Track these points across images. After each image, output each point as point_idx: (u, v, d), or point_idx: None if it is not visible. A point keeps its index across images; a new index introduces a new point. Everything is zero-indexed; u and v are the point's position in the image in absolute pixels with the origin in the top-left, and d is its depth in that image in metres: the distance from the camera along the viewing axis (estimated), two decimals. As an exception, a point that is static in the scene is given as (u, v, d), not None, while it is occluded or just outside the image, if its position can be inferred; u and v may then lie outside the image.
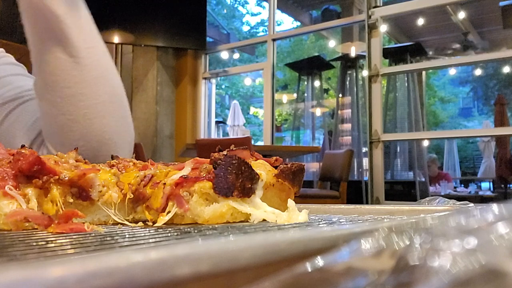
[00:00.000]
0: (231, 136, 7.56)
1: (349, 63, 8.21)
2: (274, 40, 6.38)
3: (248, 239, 0.25)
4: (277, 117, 11.77)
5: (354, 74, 8.13)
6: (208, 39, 6.83)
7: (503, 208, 0.20)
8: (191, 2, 6.38)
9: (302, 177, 0.57)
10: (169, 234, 0.40)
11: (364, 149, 7.34)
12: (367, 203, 5.19)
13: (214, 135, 7.53)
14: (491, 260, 0.16)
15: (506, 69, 11.95)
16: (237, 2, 16.05)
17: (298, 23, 10.64)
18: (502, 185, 8.68)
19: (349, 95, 8.18)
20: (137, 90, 6.68)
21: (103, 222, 0.53)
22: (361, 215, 0.61)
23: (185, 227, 0.47)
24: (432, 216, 0.22)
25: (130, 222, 0.52)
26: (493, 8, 7.59)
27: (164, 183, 0.52)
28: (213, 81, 7.16)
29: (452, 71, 14.40)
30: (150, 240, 0.36)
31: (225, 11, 15.11)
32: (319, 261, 0.18)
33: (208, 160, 0.53)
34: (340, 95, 8.38)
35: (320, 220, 0.54)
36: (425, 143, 8.55)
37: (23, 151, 0.47)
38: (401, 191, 7.49)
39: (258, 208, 0.51)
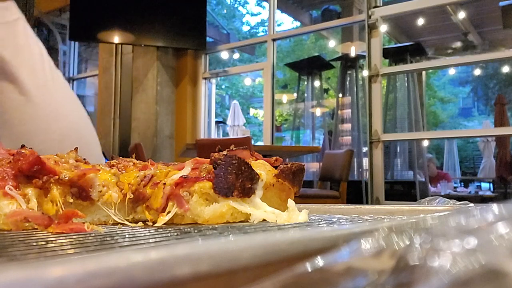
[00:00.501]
0: (231, 136, 7.56)
1: (349, 63, 8.21)
2: (274, 40, 6.38)
3: (248, 239, 0.25)
4: (277, 117, 11.77)
5: (354, 74, 8.13)
6: (208, 39, 6.83)
7: (503, 208, 0.20)
8: (191, 2, 6.37)
9: (302, 177, 0.57)
10: (169, 234, 0.40)
11: (364, 149, 7.34)
12: (367, 203, 5.19)
13: (214, 135, 7.53)
14: (491, 260, 0.16)
15: (506, 69, 11.95)
16: (237, 2, 16.05)
17: (298, 23, 10.64)
18: (502, 185, 8.68)
19: (349, 95, 8.18)
20: (137, 90, 6.67)
21: (103, 222, 0.53)
22: (361, 215, 0.61)
23: (185, 227, 0.47)
24: (432, 216, 0.22)
25: (130, 222, 0.52)
26: (493, 8, 7.59)
27: (164, 183, 0.52)
28: (213, 81, 7.16)
29: (452, 71, 14.40)
30: (150, 240, 0.36)
31: (225, 11, 15.10)
32: (319, 261, 0.18)
33: (208, 160, 0.53)
34: (340, 95, 8.37)
35: (320, 220, 0.54)
36: (425, 143, 8.55)
37: (23, 151, 0.47)
38: (401, 191, 7.49)
39: (258, 208, 0.51)
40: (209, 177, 0.50)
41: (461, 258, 0.16)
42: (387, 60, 7.74)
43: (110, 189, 0.52)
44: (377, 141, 4.78)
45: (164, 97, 6.62)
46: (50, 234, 0.41)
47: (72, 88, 8.49)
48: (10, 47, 0.87)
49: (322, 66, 9.31)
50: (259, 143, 9.61)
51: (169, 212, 0.50)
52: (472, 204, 0.61)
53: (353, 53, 8.05)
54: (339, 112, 8.22)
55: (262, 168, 0.54)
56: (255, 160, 0.56)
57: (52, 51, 9.73)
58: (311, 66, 8.94)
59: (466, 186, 10.39)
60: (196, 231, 0.42)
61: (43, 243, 0.35)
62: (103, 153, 1.06)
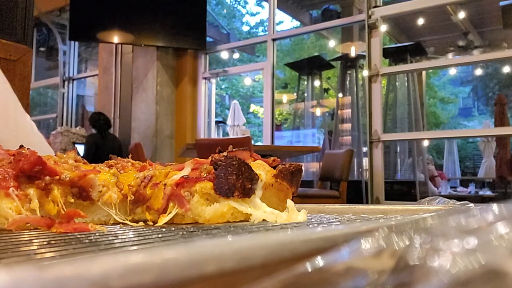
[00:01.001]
0: (231, 136, 7.56)
1: (349, 63, 8.21)
2: (274, 40, 6.38)
3: (248, 239, 0.25)
4: (277, 115, 11.77)
5: (354, 74, 8.13)
6: (208, 39, 6.83)
7: (503, 208, 0.20)
8: (191, 2, 6.38)
9: (300, 177, 0.57)
10: (174, 234, 0.40)
11: (364, 149, 7.34)
12: (367, 203, 5.19)
13: (214, 135, 7.53)
14: (491, 260, 0.16)
15: (506, 69, 11.94)
16: (237, 2, 16.05)
17: (298, 23, 10.64)
18: (502, 185, 8.68)
19: (349, 95, 8.18)
20: (137, 90, 6.67)
21: (103, 221, 0.53)
22: (356, 214, 0.61)
23: (187, 226, 0.47)
24: (432, 216, 0.22)
25: (130, 222, 0.52)
26: (493, 8, 7.59)
27: (165, 184, 0.52)
28: (213, 81, 7.16)
29: (452, 71, 14.40)
30: (156, 239, 0.36)
31: (225, 11, 15.11)
32: (319, 261, 0.18)
33: (208, 160, 0.53)
34: (340, 95, 8.38)
35: (319, 220, 0.54)
36: (425, 143, 8.55)
37: (23, 151, 0.47)
38: (401, 191, 7.49)
39: (258, 208, 0.51)
40: (210, 177, 0.51)
41: (461, 258, 0.16)
42: (387, 60, 7.74)
43: (109, 189, 0.52)
44: (377, 141, 4.78)
45: (164, 97, 6.62)
46: (55, 233, 0.42)
47: (72, 88, 8.49)
48: None
49: (322, 66, 9.31)
50: (259, 143, 9.62)
51: (170, 213, 0.50)
52: (472, 204, 0.61)
53: (353, 53, 8.05)
54: (339, 112, 8.22)
55: (261, 169, 0.54)
56: (254, 161, 0.57)
57: (52, 51, 9.74)
58: (311, 66, 8.94)
59: (466, 186, 10.39)
60: (200, 230, 0.42)
61: (53, 242, 0.36)
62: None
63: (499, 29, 8.15)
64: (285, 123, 13.41)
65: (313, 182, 7.57)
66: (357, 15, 6.43)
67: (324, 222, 0.51)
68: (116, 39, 6.25)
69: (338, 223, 0.50)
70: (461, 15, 8.17)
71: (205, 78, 6.90)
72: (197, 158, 0.56)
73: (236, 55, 10.13)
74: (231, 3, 15.84)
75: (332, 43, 10.27)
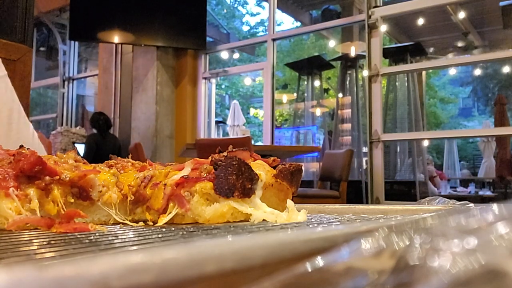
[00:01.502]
0: (231, 136, 7.56)
1: (349, 63, 8.21)
2: (274, 40, 6.38)
3: (248, 239, 0.25)
4: (277, 117, 11.77)
5: (354, 74, 8.12)
6: (208, 39, 6.83)
7: (503, 208, 0.20)
8: (191, 2, 6.38)
9: (300, 178, 0.57)
10: (174, 234, 0.40)
11: (364, 149, 7.34)
12: (367, 203, 5.19)
13: (214, 135, 7.53)
14: (491, 260, 0.16)
15: (506, 69, 11.95)
16: (237, 2, 16.04)
17: (298, 23, 10.64)
18: (502, 185, 8.68)
19: (349, 95, 8.18)
20: (137, 90, 6.68)
21: (103, 221, 0.53)
22: (356, 214, 0.61)
23: (187, 226, 0.47)
24: (432, 216, 0.22)
25: (130, 222, 0.52)
26: (493, 8, 7.59)
27: (165, 184, 0.52)
28: (213, 81, 7.16)
29: (452, 71, 14.40)
30: (156, 239, 0.36)
31: (225, 11, 15.11)
32: (319, 261, 0.18)
33: (208, 160, 0.53)
34: (340, 95, 8.37)
35: (319, 220, 0.54)
36: (425, 143, 8.55)
37: (23, 151, 0.47)
38: (401, 191, 7.49)
39: (258, 208, 0.51)
40: (210, 177, 0.51)
41: (461, 258, 0.16)
42: (387, 60, 7.74)
43: (109, 189, 0.52)
44: (377, 141, 4.78)
45: (164, 97, 6.62)
46: (55, 233, 0.42)
47: (72, 88, 8.49)
48: None
49: (322, 66, 9.31)
50: (259, 143, 9.61)
51: (170, 213, 0.50)
52: (472, 204, 0.61)
53: (353, 53, 8.05)
54: (339, 112, 8.22)
55: (261, 169, 0.54)
56: (254, 161, 0.57)
57: (52, 51, 9.74)
58: (311, 66, 8.94)
59: (466, 186, 10.39)
60: (200, 230, 0.42)
61: (53, 242, 0.36)
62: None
63: (499, 29, 8.15)
64: (285, 123, 13.41)
65: (313, 182, 7.57)
66: (357, 15, 6.43)
67: (324, 222, 0.51)
68: (116, 39, 6.25)
69: (338, 223, 0.50)
70: (461, 15, 8.17)
71: (205, 78, 6.90)
72: (197, 158, 0.56)
73: (236, 55, 10.13)
74: (231, 3, 15.84)
75: (332, 43, 10.27)
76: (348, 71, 8.21)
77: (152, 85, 6.56)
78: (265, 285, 0.17)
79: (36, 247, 0.34)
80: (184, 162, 0.57)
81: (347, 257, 0.18)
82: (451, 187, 10.24)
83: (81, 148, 6.00)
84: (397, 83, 8.08)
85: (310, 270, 0.17)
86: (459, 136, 10.05)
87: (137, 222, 0.52)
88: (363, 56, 6.46)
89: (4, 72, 1.15)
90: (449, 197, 1.00)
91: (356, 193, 6.77)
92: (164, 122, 6.60)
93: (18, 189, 0.46)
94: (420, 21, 8.07)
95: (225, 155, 0.52)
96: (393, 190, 7.39)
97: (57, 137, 6.61)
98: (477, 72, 14.55)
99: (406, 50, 7.74)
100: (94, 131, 5.88)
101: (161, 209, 0.51)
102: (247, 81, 14.15)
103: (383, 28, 5.16)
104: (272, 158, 0.58)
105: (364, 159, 7.49)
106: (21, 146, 0.50)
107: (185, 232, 0.41)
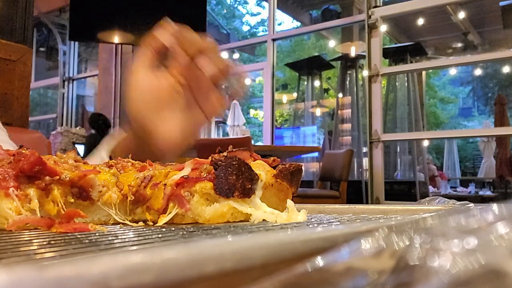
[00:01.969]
0: (231, 136, 7.56)
1: (349, 63, 8.21)
2: (274, 40, 6.38)
3: (248, 239, 0.25)
4: (277, 117, 11.77)
5: (354, 74, 8.13)
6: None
7: (503, 208, 0.20)
8: (191, 2, 6.38)
9: (300, 177, 0.57)
10: (174, 234, 0.40)
11: (364, 149, 7.34)
12: (367, 203, 5.19)
13: (214, 135, 7.53)
14: (491, 260, 0.16)
15: (506, 69, 11.95)
16: (237, 2, 16.05)
17: (298, 23, 10.65)
18: (502, 185, 8.69)
19: (349, 95, 8.19)
20: (137, 90, 6.66)
21: (103, 221, 0.53)
22: (356, 214, 0.61)
23: (187, 226, 0.47)
24: (432, 216, 0.22)
25: (130, 222, 0.52)
26: (493, 8, 7.59)
27: (165, 184, 0.52)
28: (213, 81, 7.15)
29: (452, 71, 14.41)
30: (156, 239, 0.36)
31: (225, 11, 15.11)
32: (319, 261, 0.18)
33: (208, 160, 0.53)
34: (340, 95, 8.38)
35: (319, 220, 0.54)
36: (425, 143, 8.56)
37: (23, 151, 0.47)
38: (401, 191, 7.50)
39: (258, 208, 0.51)
40: (210, 177, 0.51)
41: (461, 258, 0.16)
42: (387, 60, 7.75)
43: (109, 189, 0.52)
44: (377, 141, 4.78)
45: (164, 97, 6.62)
46: (55, 233, 0.42)
47: (72, 88, 8.50)
48: None
49: (322, 66, 9.32)
50: (259, 143, 9.62)
51: (170, 213, 0.50)
52: (472, 204, 0.61)
53: (353, 53, 8.06)
54: (339, 112, 8.22)
55: (261, 169, 0.54)
56: (254, 161, 0.57)
57: (52, 51, 9.74)
58: (311, 66, 8.95)
59: (466, 186, 10.40)
60: (200, 230, 0.42)
61: (53, 242, 0.36)
62: None
63: (499, 29, 8.15)
64: (285, 123, 13.41)
65: (313, 182, 7.58)
66: (357, 15, 6.43)
67: (324, 222, 0.51)
68: (116, 39, 6.26)
69: (338, 223, 0.50)
70: (461, 15, 8.18)
71: (205, 78, 6.89)
72: (197, 158, 0.56)
73: (236, 55, 10.13)
74: (231, 3, 15.85)
75: (332, 43, 10.28)
76: (348, 71, 8.22)
77: (152, 85, 6.55)
78: (265, 285, 0.17)
79: (36, 247, 0.34)
80: (184, 162, 0.57)
81: (347, 257, 0.18)
82: (451, 187, 10.25)
83: (81, 148, 6.01)
84: (397, 83, 8.09)
85: (310, 270, 0.17)
86: (459, 136, 10.05)
87: (137, 222, 0.53)
88: (363, 56, 6.46)
89: None
90: (449, 197, 1.00)
91: (356, 193, 6.78)
92: (164, 122, 6.59)
93: (18, 189, 0.46)
94: (420, 21, 8.08)
95: (225, 155, 0.52)
96: (393, 190, 7.40)
97: (57, 137, 6.62)
98: (477, 72, 14.56)
99: (406, 50, 7.74)
100: (93, 131, 5.88)
101: (161, 209, 0.51)
102: (247, 81, 14.15)
103: (383, 28, 5.16)
104: (272, 158, 0.58)
105: (364, 159, 7.49)
106: (21, 146, 0.50)
107: (185, 232, 0.41)
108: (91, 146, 5.76)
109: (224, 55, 7.80)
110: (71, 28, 6.32)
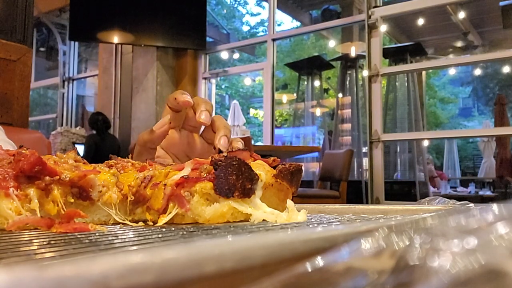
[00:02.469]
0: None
1: (349, 63, 8.21)
2: (274, 40, 6.38)
3: (248, 239, 0.25)
4: (277, 117, 11.77)
5: (354, 74, 8.13)
6: (208, 39, 6.83)
7: (503, 208, 0.20)
8: (191, 2, 6.38)
9: (300, 177, 0.57)
10: (174, 234, 0.40)
11: (364, 149, 7.34)
12: (367, 203, 5.19)
13: (214, 135, 7.51)
14: (491, 260, 0.16)
15: (506, 69, 11.95)
16: (237, 2, 16.05)
17: (298, 23, 10.65)
18: (502, 185, 8.69)
19: (349, 95, 8.19)
20: (137, 90, 6.68)
21: (103, 221, 0.53)
22: (356, 214, 0.61)
23: (187, 226, 0.47)
24: (432, 216, 0.22)
25: (130, 222, 0.52)
26: (493, 8, 7.59)
27: (165, 184, 0.52)
28: (213, 81, 7.16)
29: (452, 71, 14.41)
30: (156, 239, 0.36)
31: (225, 11, 15.11)
32: (319, 261, 0.18)
33: (208, 160, 0.53)
34: (340, 95, 8.38)
35: (319, 220, 0.54)
36: (425, 143, 8.56)
37: (23, 151, 0.47)
38: (401, 191, 7.50)
39: (258, 208, 0.51)
40: (210, 177, 0.51)
41: (461, 258, 0.16)
42: (387, 60, 7.75)
43: (109, 189, 0.52)
44: (377, 141, 4.78)
45: (164, 97, 6.62)
46: (55, 233, 0.42)
47: (72, 88, 8.50)
48: None
49: (322, 66, 9.32)
50: (259, 143, 9.62)
51: (170, 213, 0.50)
52: (472, 204, 0.61)
53: (353, 53, 8.06)
54: (339, 112, 8.22)
55: (261, 169, 0.54)
56: (254, 161, 0.57)
57: (52, 51, 9.74)
58: (311, 66, 8.95)
59: (466, 186, 10.40)
60: (200, 230, 0.42)
61: (53, 242, 0.36)
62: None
63: (499, 29, 8.15)
64: (285, 123, 13.41)
65: (313, 182, 7.58)
66: (357, 15, 6.43)
67: (324, 222, 0.51)
68: (116, 39, 6.26)
69: (338, 223, 0.50)
70: (461, 15, 8.18)
71: (205, 78, 6.90)
72: (197, 158, 0.56)
73: (236, 55, 10.14)
74: (231, 3, 15.85)
75: (332, 43, 10.28)
76: (348, 71, 8.22)
77: (152, 85, 6.56)
78: (265, 285, 0.17)
79: (36, 247, 0.34)
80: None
81: (347, 257, 0.18)
82: (451, 187, 10.25)
83: (81, 148, 6.01)
84: (397, 83, 8.09)
85: (310, 270, 0.17)
86: (459, 136, 10.05)
87: (137, 222, 0.53)
88: (363, 56, 6.46)
89: None
90: (449, 197, 1.00)
91: (356, 193, 6.78)
92: (164, 122, 6.59)
93: (18, 189, 0.46)
94: (420, 21, 8.08)
95: (225, 155, 0.52)
96: (393, 190, 7.40)
97: (57, 137, 6.62)
98: (477, 72, 14.56)
99: (406, 50, 7.74)
100: (93, 131, 5.88)
101: (161, 209, 0.51)
102: (247, 81, 14.16)
103: (383, 28, 5.17)
104: (272, 158, 0.58)
105: (364, 159, 7.49)
106: (21, 146, 0.50)
107: (185, 232, 0.41)
108: (90, 146, 5.76)
109: (224, 55, 7.80)
110: (71, 28, 6.32)
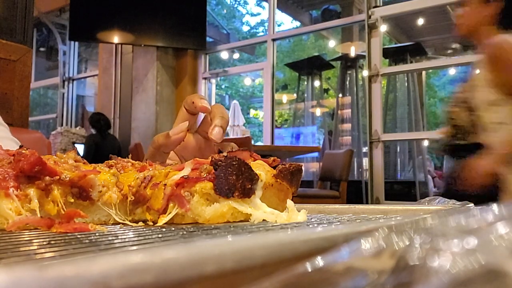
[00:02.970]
0: (231, 136, 7.55)
1: (349, 63, 8.22)
2: (274, 40, 6.38)
3: (248, 239, 0.25)
4: (277, 117, 11.77)
5: (354, 74, 8.13)
6: (208, 39, 6.83)
7: (503, 208, 0.20)
8: (191, 2, 6.38)
9: (300, 177, 0.57)
10: (174, 234, 0.40)
11: (364, 149, 7.35)
12: (367, 203, 5.19)
13: (214, 135, 7.50)
14: (491, 260, 0.16)
15: (506, 69, 11.93)
16: (237, 2, 16.05)
17: (298, 23, 10.65)
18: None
19: (349, 95, 8.19)
20: (137, 90, 6.68)
21: (103, 221, 0.53)
22: (356, 214, 0.61)
23: (187, 226, 0.47)
24: (432, 216, 0.22)
25: (130, 222, 0.52)
26: (493, 8, 7.58)
27: (165, 184, 0.52)
28: (213, 81, 7.16)
29: (452, 71, 14.41)
30: (156, 239, 0.36)
31: (225, 11, 15.11)
32: (319, 261, 0.18)
33: (208, 160, 0.53)
34: (340, 95, 8.38)
35: (319, 220, 0.54)
36: (425, 143, 8.55)
37: (23, 151, 0.47)
38: (401, 191, 7.50)
39: (258, 208, 0.51)
40: (210, 177, 0.51)
41: (461, 258, 0.16)
42: (387, 60, 7.75)
43: (109, 189, 0.52)
44: (377, 141, 4.78)
45: (164, 97, 6.62)
46: (55, 233, 0.42)
47: (72, 88, 8.50)
48: None
49: (322, 66, 9.32)
50: (259, 143, 9.62)
51: (170, 213, 0.50)
52: (472, 204, 0.61)
53: (353, 53, 8.06)
54: (339, 112, 8.22)
55: (261, 169, 0.54)
56: (254, 161, 0.57)
57: (52, 51, 9.74)
58: (311, 66, 8.95)
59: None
60: (200, 230, 0.42)
61: (53, 242, 0.36)
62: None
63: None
64: (285, 123, 13.41)
65: (313, 182, 7.58)
66: (357, 15, 6.43)
67: (324, 222, 0.51)
68: (116, 39, 6.26)
69: (338, 223, 0.50)
70: (461, 15, 8.16)
71: (205, 78, 6.90)
72: (197, 158, 0.56)
73: (236, 55, 10.14)
74: (231, 3, 15.85)
75: (332, 43, 10.28)
76: (348, 71, 8.22)
77: (152, 85, 6.56)
78: (265, 285, 0.17)
79: (36, 247, 0.34)
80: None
81: (347, 257, 0.18)
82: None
83: (81, 148, 6.01)
84: (397, 83, 8.09)
85: (310, 270, 0.17)
86: (459, 136, 10.02)
87: (137, 222, 0.53)
88: (363, 56, 6.46)
89: None
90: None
91: (356, 193, 6.78)
92: (164, 122, 6.60)
93: (18, 189, 0.46)
94: (420, 21, 8.08)
95: (225, 155, 0.52)
96: (393, 190, 7.40)
97: (57, 137, 6.62)
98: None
99: (406, 50, 7.75)
100: (94, 131, 5.88)
101: (161, 209, 0.51)
102: (247, 81, 14.15)
103: (383, 28, 5.17)
104: (272, 158, 0.58)
105: (364, 159, 7.49)
106: (21, 146, 0.50)
107: (185, 232, 0.41)
108: (91, 146, 5.76)
109: (224, 55, 7.80)
110: (71, 28, 6.32)
